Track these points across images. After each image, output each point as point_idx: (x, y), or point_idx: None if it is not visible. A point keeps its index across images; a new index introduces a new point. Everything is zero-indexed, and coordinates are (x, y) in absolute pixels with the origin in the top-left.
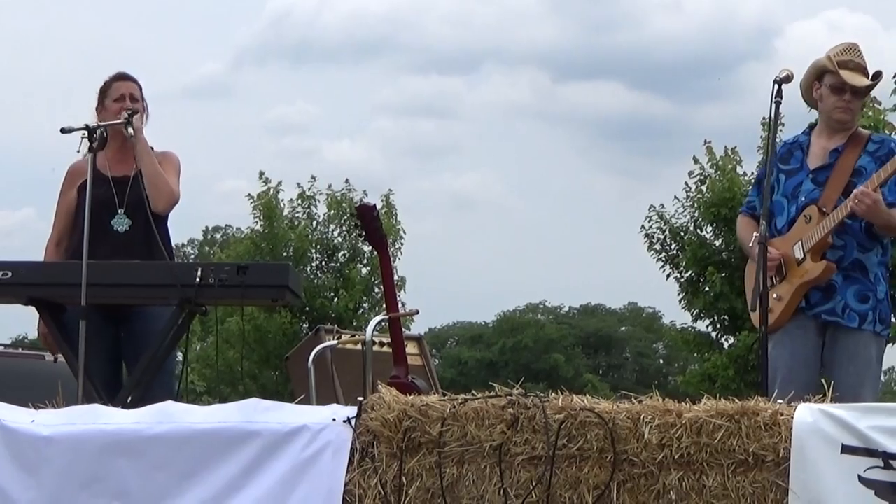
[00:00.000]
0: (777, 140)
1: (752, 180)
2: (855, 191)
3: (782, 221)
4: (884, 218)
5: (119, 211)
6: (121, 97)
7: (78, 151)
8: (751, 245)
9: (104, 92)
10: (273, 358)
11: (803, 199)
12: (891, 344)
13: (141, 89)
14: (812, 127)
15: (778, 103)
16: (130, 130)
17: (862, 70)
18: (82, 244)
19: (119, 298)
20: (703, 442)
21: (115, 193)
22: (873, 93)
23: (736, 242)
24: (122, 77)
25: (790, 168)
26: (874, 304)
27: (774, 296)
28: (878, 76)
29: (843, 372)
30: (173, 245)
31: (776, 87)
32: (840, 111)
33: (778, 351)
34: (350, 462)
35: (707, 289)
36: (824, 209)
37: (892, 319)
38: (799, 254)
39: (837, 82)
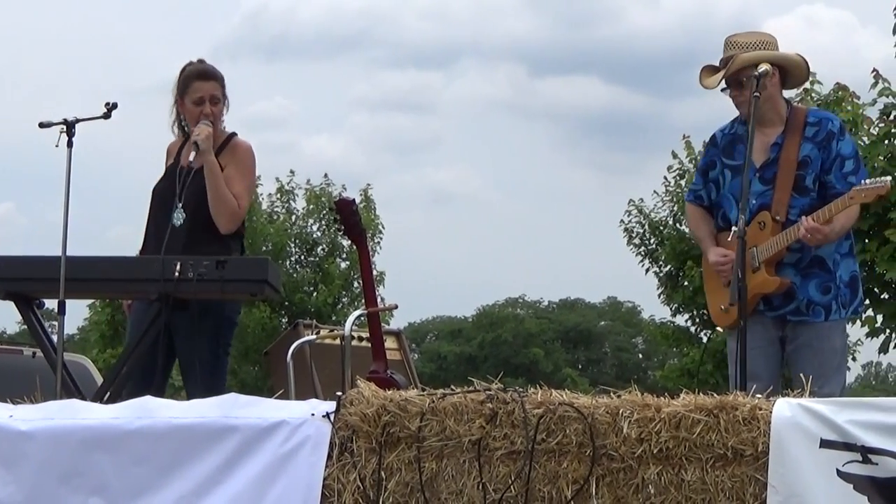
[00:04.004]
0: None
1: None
2: (805, 226)
3: (733, 219)
4: (833, 239)
5: (178, 205)
6: (200, 100)
7: (56, 146)
8: (709, 242)
9: (185, 85)
10: (252, 353)
11: (754, 201)
12: (869, 339)
13: (223, 84)
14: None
15: (757, 98)
16: (192, 155)
17: (731, 60)
18: (145, 237)
19: (98, 293)
20: (682, 436)
21: (176, 185)
22: (852, 87)
23: None
24: (202, 75)
25: (735, 164)
26: (835, 293)
27: None
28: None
29: (808, 367)
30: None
31: (755, 81)
32: (737, 106)
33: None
34: (329, 457)
35: (686, 283)
36: (777, 217)
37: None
38: (754, 263)
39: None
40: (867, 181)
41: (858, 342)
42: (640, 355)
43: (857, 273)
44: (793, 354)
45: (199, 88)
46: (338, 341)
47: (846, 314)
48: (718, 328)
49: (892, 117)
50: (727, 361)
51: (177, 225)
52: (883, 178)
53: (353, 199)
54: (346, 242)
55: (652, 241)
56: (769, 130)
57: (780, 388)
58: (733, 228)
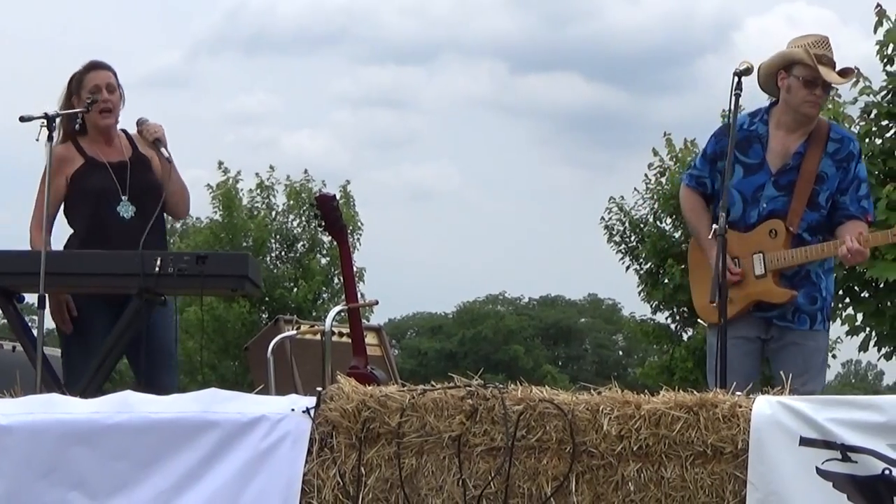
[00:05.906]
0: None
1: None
2: (849, 246)
3: (736, 215)
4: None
5: (123, 198)
6: (95, 88)
7: (37, 140)
8: (707, 235)
9: (78, 82)
10: (232, 348)
11: (765, 205)
12: (849, 337)
13: (116, 76)
14: (768, 110)
15: (738, 95)
16: (165, 153)
17: (833, 65)
18: (86, 233)
19: (78, 287)
20: (662, 433)
21: (116, 180)
22: (833, 85)
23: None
24: (94, 67)
25: (749, 162)
26: (822, 305)
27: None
28: (847, 73)
29: (790, 364)
30: None
31: (736, 79)
32: (809, 105)
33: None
34: (309, 452)
35: (666, 281)
36: (791, 228)
37: None
38: (759, 268)
39: (812, 76)
40: None
41: (838, 340)
42: (621, 352)
43: (833, 290)
44: (777, 352)
45: (94, 78)
46: (318, 337)
47: (828, 326)
48: (702, 322)
49: (872, 116)
50: (706, 357)
51: (126, 218)
52: None
53: (334, 195)
54: (326, 238)
55: (632, 238)
56: (792, 136)
57: (758, 383)
58: (713, 226)
